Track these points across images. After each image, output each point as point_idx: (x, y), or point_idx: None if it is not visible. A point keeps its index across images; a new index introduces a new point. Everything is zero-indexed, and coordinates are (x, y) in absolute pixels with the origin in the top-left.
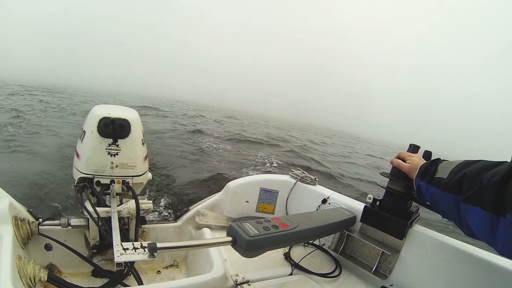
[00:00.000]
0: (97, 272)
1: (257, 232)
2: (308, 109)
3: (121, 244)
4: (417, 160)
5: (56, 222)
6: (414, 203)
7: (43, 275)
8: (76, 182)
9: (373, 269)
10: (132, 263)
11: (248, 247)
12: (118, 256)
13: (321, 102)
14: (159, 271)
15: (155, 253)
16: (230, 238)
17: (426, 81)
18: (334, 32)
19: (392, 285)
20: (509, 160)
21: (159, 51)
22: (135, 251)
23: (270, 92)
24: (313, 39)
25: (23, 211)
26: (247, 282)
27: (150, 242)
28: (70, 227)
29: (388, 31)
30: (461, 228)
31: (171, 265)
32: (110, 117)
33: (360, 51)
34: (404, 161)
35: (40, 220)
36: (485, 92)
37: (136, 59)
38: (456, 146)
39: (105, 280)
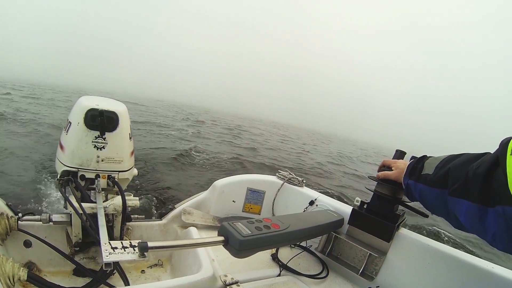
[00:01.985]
0: (79, 271)
1: (250, 232)
2: (301, 113)
3: (109, 242)
4: (402, 163)
5: (37, 217)
6: (400, 207)
7: (23, 274)
8: (59, 175)
9: (360, 271)
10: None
11: (241, 247)
12: (107, 256)
13: (315, 107)
14: (143, 270)
15: (145, 253)
16: (222, 238)
17: (424, 85)
18: (325, 38)
19: (378, 286)
20: (491, 151)
21: (151, 51)
22: (125, 251)
23: (260, 95)
24: (303, 44)
25: (1, 205)
26: (236, 282)
27: (140, 241)
28: (51, 223)
29: (382, 32)
30: (450, 222)
31: (156, 265)
32: (98, 109)
33: (353, 56)
34: (390, 168)
35: (20, 215)
36: (486, 96)
37: (129, 59)
38: (455, 151)
39: (87, 280)
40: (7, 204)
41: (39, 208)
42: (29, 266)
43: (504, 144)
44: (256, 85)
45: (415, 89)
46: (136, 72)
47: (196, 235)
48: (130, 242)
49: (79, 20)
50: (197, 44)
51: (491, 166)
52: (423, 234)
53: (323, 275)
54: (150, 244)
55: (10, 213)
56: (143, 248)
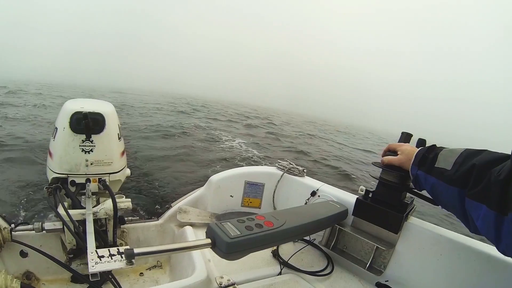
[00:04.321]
0: (76, 278)
1: (239, 233)
2: (302, 101)
3: (95, 251)
4: (409, 148)
5: (30, 227)
6: (408, 194)
7: (16, 285)
8: (49, 183)
9: (367, 265)
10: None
11: (229, 250)
12: (93, 266)
13: (319, 95)
14: (141, 273)
15: (133, 260)
16: (209, 241)
17: (427, 70)
18: (330, 26)
19: (387, 280)
20: None
21: (159, 42)
22: (112, 258)
23: (262, 83)
24: (305, 31)
25: None
26: (233, 284)
27: (127, 247)
28: (44, 232)
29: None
30: (466, 224)
31: (155, 266)
32: (82, 112)
33: (355, 42)
34: (396, 152)
35: (13, 225)
36: (490, 81)
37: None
38: (459, 137)
39: (84, 286)
40: (0, 215)
41: (36, 216)
42: (27, 275)
43: None
44: (262, 75)
45: (418, 75)
46: (157, 67)
47: (191, 234)
48: (118, 249)
49: (103, 20)
50: (204, 33)
51: (509, 174)
52: (434, 223)
53: (327, 271)
54: (136, 250)
55: (4, 224)
56: (130, 255)
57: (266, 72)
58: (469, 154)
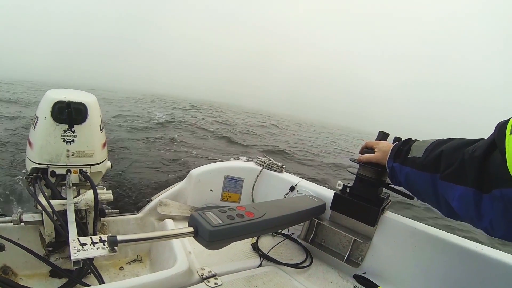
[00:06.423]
0: (55, 272)
1: (221, 222)
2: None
3: (78, 239)
4: (385, 145)
5: (7, 218)
6: (385, 190)
7: None
8: (28, 173)
9: (345, 258)
10: (91, 260)
11: (211, 238)
12: (75, 253)
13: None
14: (121, 267)
15: (115, 247)
16: (191, 229)
17: (428, 74)
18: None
19: (364, 272)
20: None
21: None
22: (94, 246)
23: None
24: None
25: None
26: (214, 275)
27: (110, 235)
28: (22, 224)
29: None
30: (439, 209)
31: (135, 260)
32: (65, 101)
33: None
34: (373, 149)
35: None
36: (489, 87)
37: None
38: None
39: (64, 281)
40: None
41: (14, 208)
42: (4, 270)
43: (501, 126)
44: (262, 79)
45: (415, 80)
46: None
47: (171, 227)
48: (100, 237)
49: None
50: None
51: (488, 150)
52: (409, 217)
53: (306, 263)
54: (119, 237)
55: None
56: (113, 242)
57: (244, 71)
58: (440, 142)
